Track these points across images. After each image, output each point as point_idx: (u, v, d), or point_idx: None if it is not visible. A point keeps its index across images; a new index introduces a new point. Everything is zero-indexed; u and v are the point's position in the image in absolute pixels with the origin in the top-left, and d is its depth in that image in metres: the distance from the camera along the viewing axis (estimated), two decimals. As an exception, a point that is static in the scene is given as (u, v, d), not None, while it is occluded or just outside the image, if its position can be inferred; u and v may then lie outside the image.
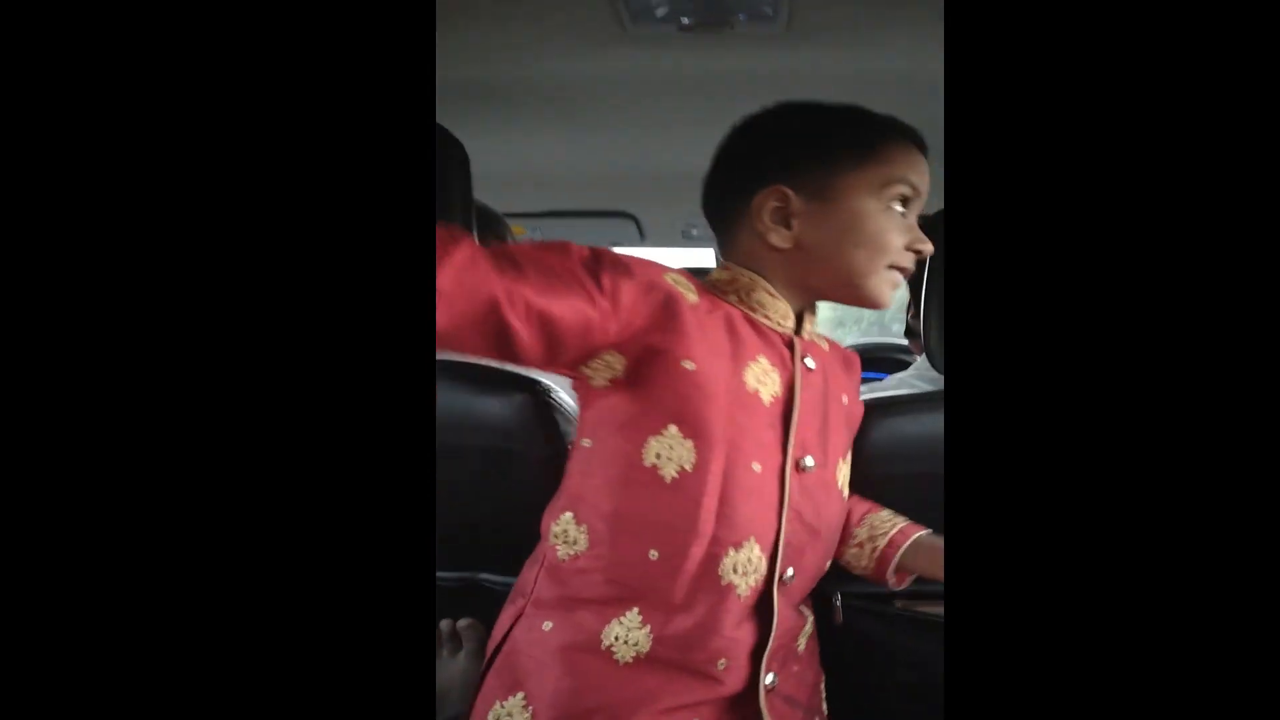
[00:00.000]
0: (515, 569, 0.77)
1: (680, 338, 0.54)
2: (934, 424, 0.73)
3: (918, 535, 0.65)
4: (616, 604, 0.55)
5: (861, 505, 0.70)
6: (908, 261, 0.61)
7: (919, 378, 0.95)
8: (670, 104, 0.94)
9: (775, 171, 0.60)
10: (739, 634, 0.56)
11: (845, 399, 0.66)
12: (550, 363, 0.52)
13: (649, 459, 0.54)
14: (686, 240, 1.48)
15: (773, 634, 0.56)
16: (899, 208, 0.60)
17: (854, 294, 0.61)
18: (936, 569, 0.62)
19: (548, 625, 0.57)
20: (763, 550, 0.56)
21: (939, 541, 0.64)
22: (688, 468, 0.54)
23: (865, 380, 0.92)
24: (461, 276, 0.44)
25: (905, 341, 1.49)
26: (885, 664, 0.70)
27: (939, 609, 0.74)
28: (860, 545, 0.66)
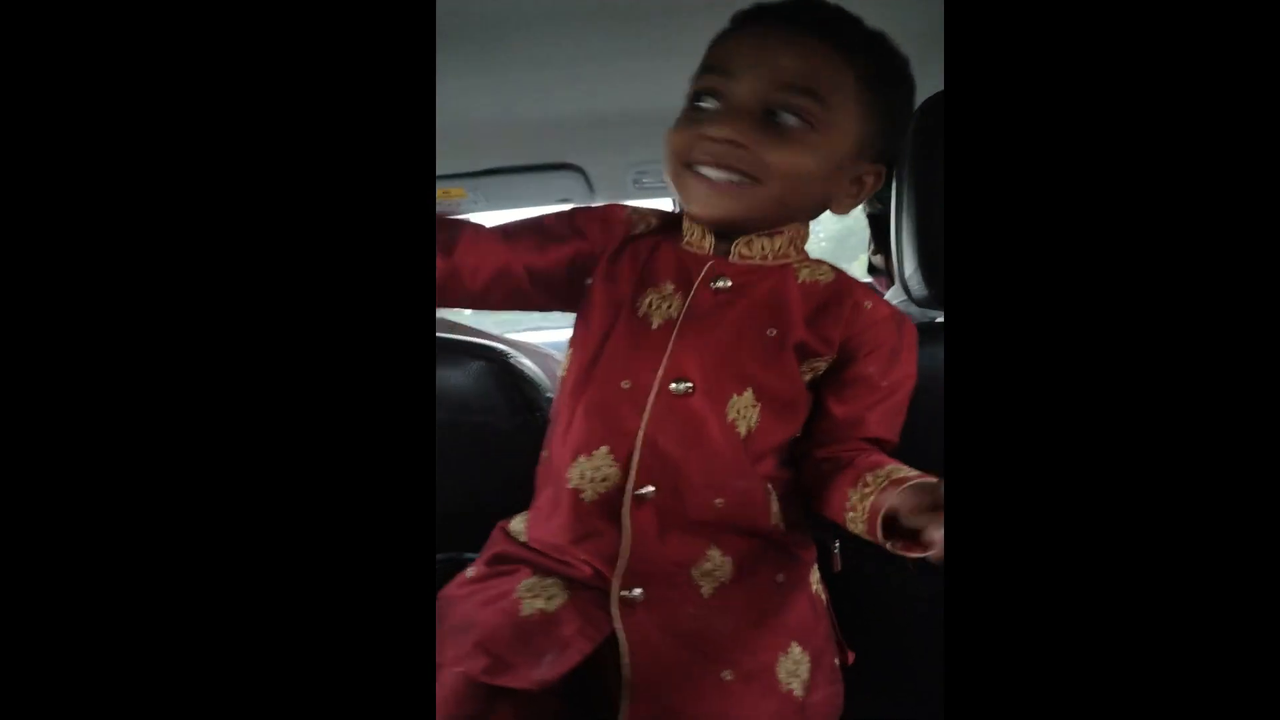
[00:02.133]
0: None
1: (600, 259, 0.59)
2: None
3: (906, 485, 0.50)
4: (531, 498, 0.61)
5: (864, 462, 0.56)
6: (710, 153, 0.53)
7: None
8: (606, 39, 0.87)
9: None
10: (592, 540, 0.55)
11: (773, 332, 0.56)
12: (565, 299, 0.61)
13: (563, 366, 0.61)
14: (639, 190, 1.40)
15: (624, 543, 0.54)
16: (701, 103, 0.55)
17: (687, 208, 0.58)
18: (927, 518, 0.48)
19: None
20: (615, 460, 0.55)
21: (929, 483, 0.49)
22: (564, 374, 0.60)
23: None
24: (479, 249, 0.58)
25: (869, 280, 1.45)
26: (892, 602, 0.69)
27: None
28: (854, 509, 0.52)
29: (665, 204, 1.48)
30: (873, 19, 0.55)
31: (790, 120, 0.52)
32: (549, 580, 0.56)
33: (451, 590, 0.60)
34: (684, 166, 0.55)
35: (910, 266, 0.69)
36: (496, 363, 0.72)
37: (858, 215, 1.32)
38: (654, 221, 0.61)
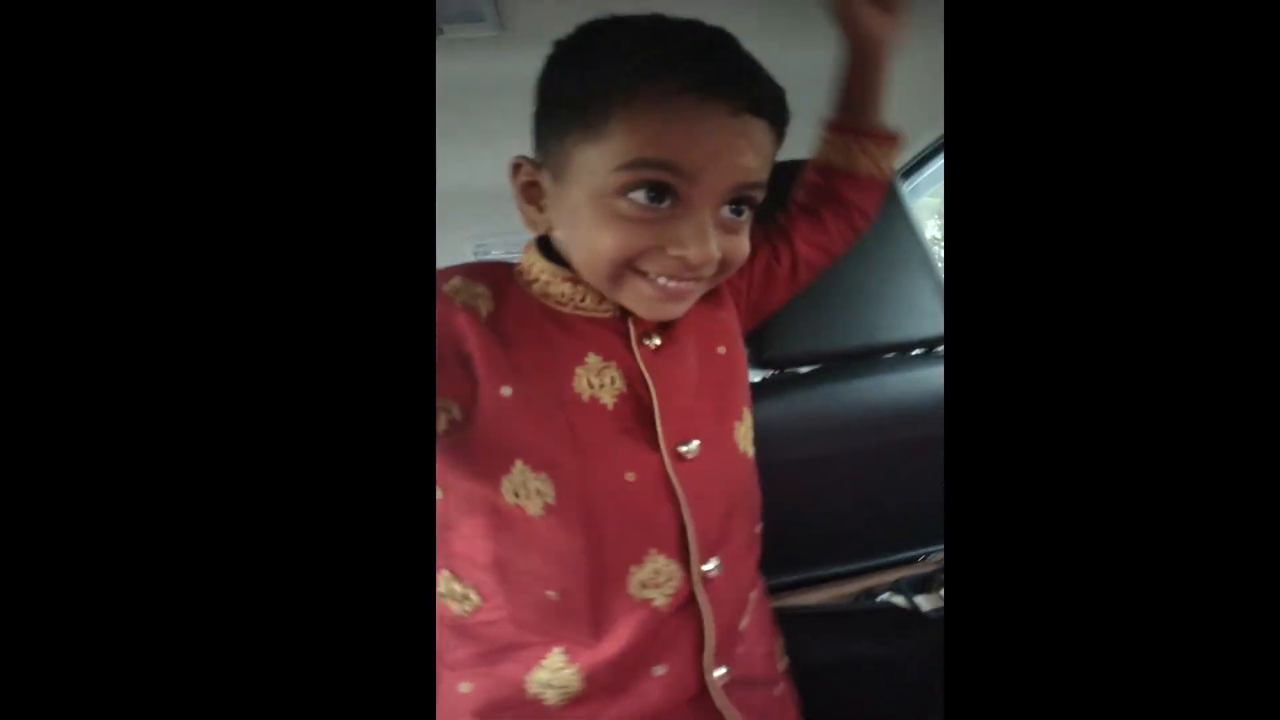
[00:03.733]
0: None
1: (486, 364, 0.46)
2: (852, 394, 0.73)
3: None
4: (535, 648, 0.49)
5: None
6: (670, 268, 0.45)
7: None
8: (446, 117, 0.87)
9: (535, 134, 0.47)
10: (673, 644, 0.50)
11: (722, 349, 0.54)
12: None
13: (509, 499, 0.47)
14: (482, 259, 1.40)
15: (709, 633, 0.50)
16: (644, 199, 0.43)
17: (619, 300, 0.48)
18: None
19: (465, 687, 0.50)
20: (669, 556, 0.49)
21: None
22: (550, 501, 0.47)
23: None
24: None
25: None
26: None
27: (787, 602, 0.75)
28: (827, 148, 0.61)
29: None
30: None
31: (740, 213, 0.47)
32: None
33: None
34: (629, 269, 0.46)
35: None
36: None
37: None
38: (489, 292, 0.49)
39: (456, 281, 0.49)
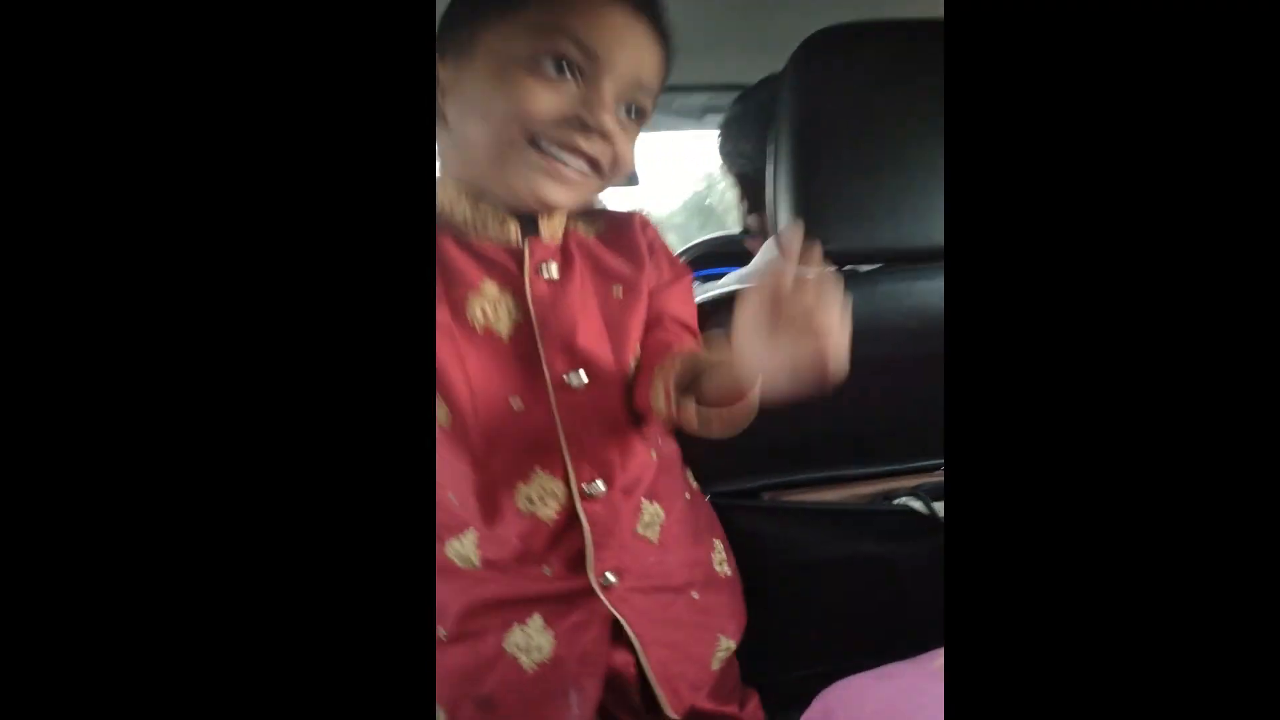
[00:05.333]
0: None
1: None
2: None
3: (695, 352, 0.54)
4: (452, 528, 0.57)
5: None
6: (573, 140, 0.47)
7: (760, 274, 0.92)
8: None
9: (442, 30, 0.50)
10: (558, 549, 0.56)
11: (619, 289, 0.56)
12: None
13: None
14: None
15: (589, 546, 0.55)
16: (549, 66, 0.46)
17: (504, 185, 0.49)
18: (718, 384, 0.49)
19: None
20: (553, 474, 0.54)
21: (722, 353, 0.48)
22: (444, 424, 0.52)
23: (707, 277, 0.88)
24: None
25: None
26: (761, 553, 0.70)
27: (802, 497, 0.75)
28: (655, 392, 0.53)
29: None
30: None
31: (632, 114, 0.51)
32: (529, 626, 0.56)
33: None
34: (528, 142, 0.47)
35: (785, 221, 0.68)
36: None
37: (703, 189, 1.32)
38: None
39: None
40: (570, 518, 0.56)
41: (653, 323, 0.58)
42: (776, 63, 0.68)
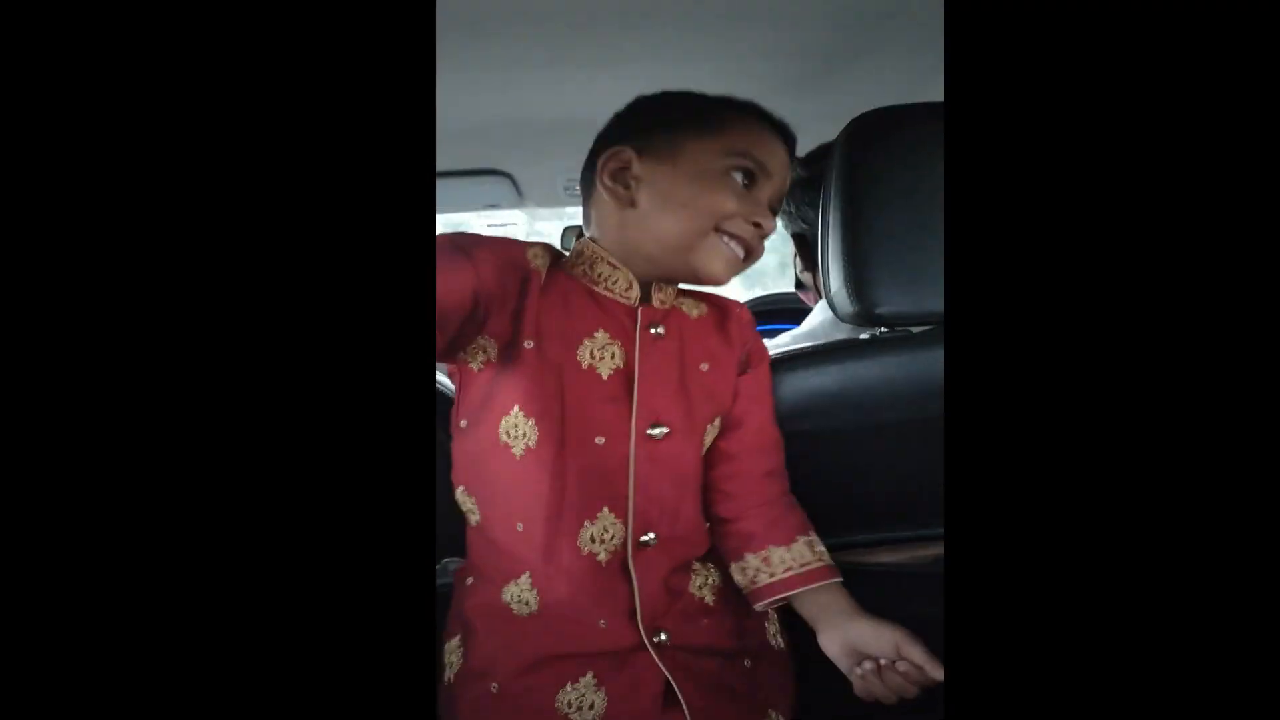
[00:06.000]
0: None
1: (526, 315, 0.58)
2: (838, 375, 0.72)
3: (816, 586, 0.63)
4: (510, 569, 0.60)
5: (763, 526, 0.65)
6: (745, 232, 0.61)
7: (813, 333, 0.94)
8: (540, 43, 0.85)
9: (625, 135, 0.63)
10: (610, 597, 0.59)
11: (705, 367, 0.64)
12: (443, 351, 0.57)
13: (502, 437, 0.59)
14: (568, 196, 1.38)
15: (636, 595, 0.59)
16: (739, 178, 0.60)
17: (685, 261, 0.61)
18: (831, 635, 0.61)
19: (469, 580, 0.63)
20: (618, 517, 0.59)
21: (838, 596, 0.63)
22: (531, 445, 0.58)
23: (769, 332, 0.90)
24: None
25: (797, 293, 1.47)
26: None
27: (860, 558, 0.75)
28: (744, 570, 0.65)
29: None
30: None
31: (774, 213, 0.64)
32: (581, 684, 0.57)
33: (478, 700, 0.58)
34: (714, 230, 0.60)
35: (836, 283, 0.70)
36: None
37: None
38: (547, 258, 0.62)
39: (537, 249, 0.61)
40: (622, 564, 0.59)
41: (740, 417, 0.67)
42: (830, 133, 0.71)
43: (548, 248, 0.63)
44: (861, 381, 0.72)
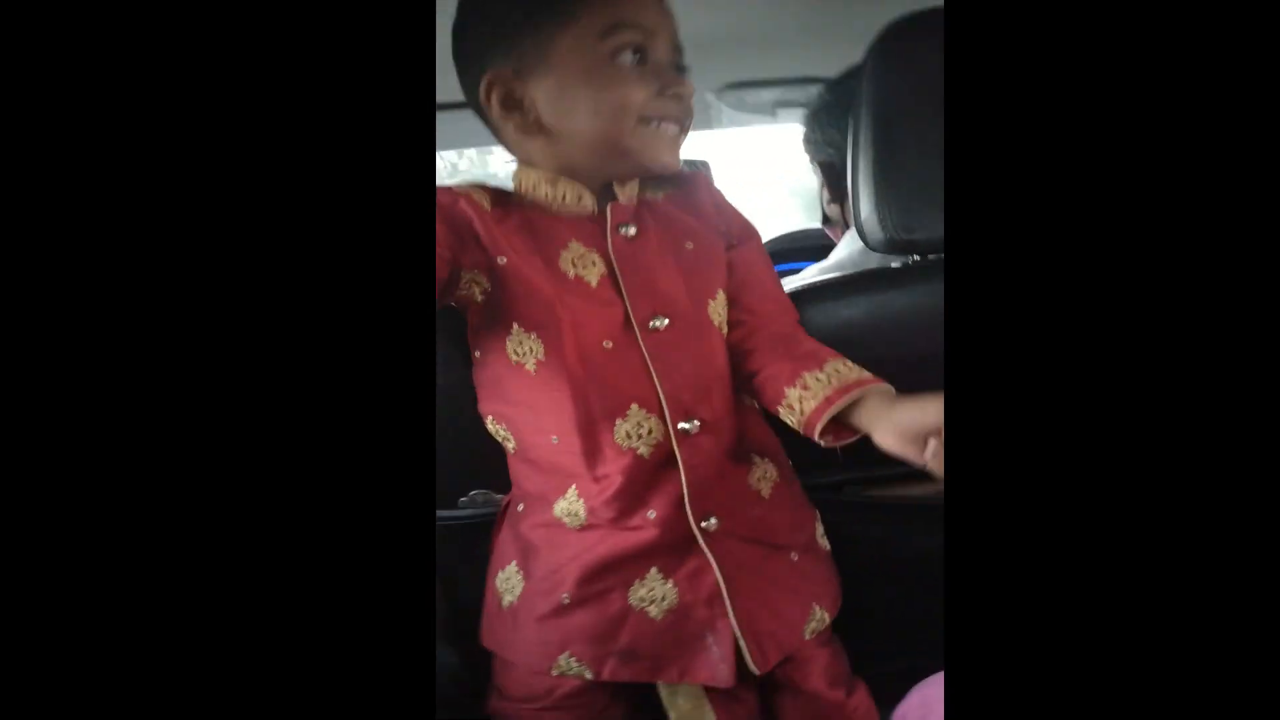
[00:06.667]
0: (440, 503, 0.71)
1: (491, 240, 0.57)
2: (868, 306, 0.70)
3: (859, 394, 0.57)
4: (556, 485, 0.60)
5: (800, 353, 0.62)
6: (668, 109, 0.57)
7: (840, 266, 0.91)
8: None
9: (488, 52, 0.57)
10: (657, 488, 0.59)
11: (690, 245, 0.63)
12: (439, 299, 0.58)
13: (512, 357, 0.59)
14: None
15: (684, 481, 0.58)
16: (628, 57, 0.55)
17: (626, 162, 0.59)
18: (883, 428, 0.55)
19: (520, 507, 0.64)
20: (649, 411, 0.58)
21: (881, 396, 0.57)
22: (541, 358, 0.58)
23: (785, 271, 0.88)
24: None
25: (821, 229, 1.43)
26: (841, 548, 0.69)
27: (884, 492, 0.74)
28: (791, 407, 0.60)
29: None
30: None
31: (681, 71, 0.60)
32: (649, 579, 0.59)
33: (550, 613, 0.59)
34: (639, 122, 0.56)
35: (866, 208, 0.67)
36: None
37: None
38: (486, 194, 0.59)
39: (470, 187, 0.59)
40: (668, 456, 0.59)
41: (740, 288, 0.64)
42: (856, 55, 0.67)
43: (484, 186, 0.60)
44: (893, 312, 0.69)
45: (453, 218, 0.57)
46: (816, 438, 0.59)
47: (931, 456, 0.51)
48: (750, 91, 1.27)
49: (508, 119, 0.58)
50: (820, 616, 0.63)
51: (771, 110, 1.33)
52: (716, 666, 0.58)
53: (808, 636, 0.62)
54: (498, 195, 0.60)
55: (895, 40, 0.62)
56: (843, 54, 0.81)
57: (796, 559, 0.63)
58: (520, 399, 0.60)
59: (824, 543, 0.68)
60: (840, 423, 0.58)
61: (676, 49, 0.59)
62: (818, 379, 0.59)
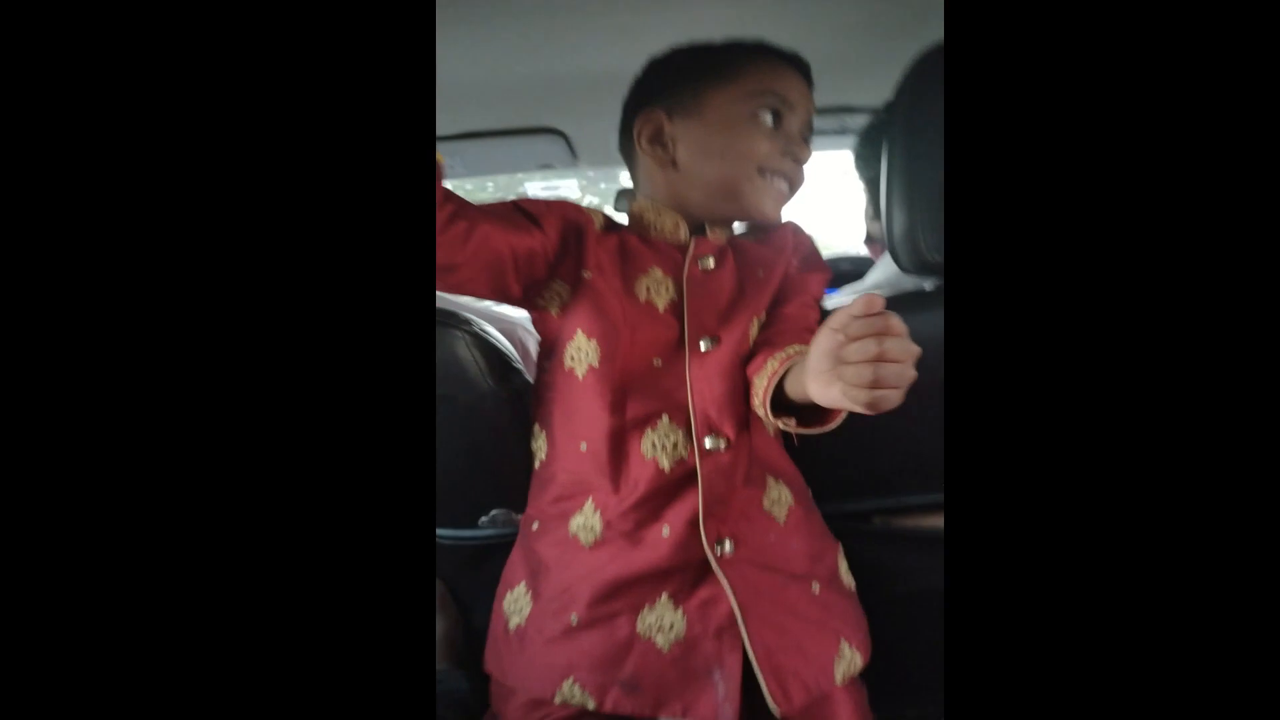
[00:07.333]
0: (459, 522, 0.71)
1: (586, 256, 0.63)
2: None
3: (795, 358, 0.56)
4: (575, 498, 0.62)
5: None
6: (785, 167, 0.66)
7: (876, 287, 0.89)
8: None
9: (651, 97, 0.68)
10: (674, 505, 0.60)
11: (761, 273, 0.67)
12: (520, 298, 0.63)
13: (567, 363, 0.63)
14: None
15: (700, 500, 0.59)
16: (767, 118, 0.65)
17: (735, 205, 0.66)
18: (806, 381, 0.50)
19: (535, 525, 0.65)
20: (677, 424, 0.61)
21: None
22: (594, 364, 0.62)
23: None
24: (469, 248, 0.58)
25: (856, 253, 1.41)
26: (869, 579, 0.66)
27: (917, 521, 0.71)
28: (756, 394, 0.59)
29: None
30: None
31: (806, 141, 0.68)
32: (658, 606, 0.58)
33: (558, 636, 0.59)
34: (758, 171, 0.65)
35: (900, 231, 0.66)
36: (461, 331, 0.69)
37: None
38: (603, 218, 0.68)
39: (596, 211, 0.67)
40: (688, 473, 0.60)
41: (782, 299, 0.67)
42: (891, 81, 0.67)
43: (605, 214, 0.69)
44: (924, 335, 0.68)
45: (572, 228, 0.64)
46: (772, 418, 0.57)
47: (845, 370, 0.43)
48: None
49: (650, 153, 0.67)
50: (851, 657, 0.60)
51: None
52: (720, 706, 0.56)
53: (839, 681, 0.58)
54: (609, 222, 0.68)
55: (929, 64, 0.62)
56: (878, 82, 0.80)
57: (818, 591, 0.61)
58: (563, 404, 0.63)
59: (848, 579, 0.66)
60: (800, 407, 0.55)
61: (808, 125, 0.68)
62: (774, 360, 0.58)
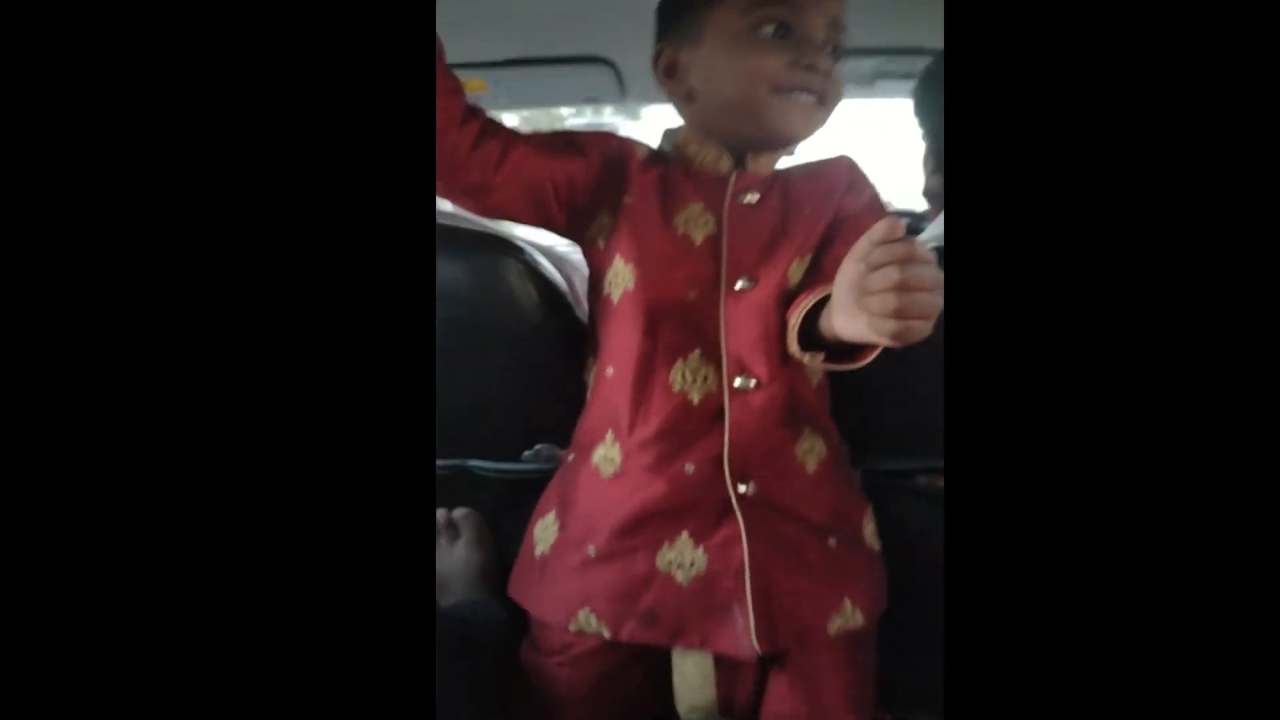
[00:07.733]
0: (504, 454, 0.71)
1: (630, 182, 0.62)
2: None
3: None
4: (599, 430, 0.62)
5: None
6: (804, 80, 0.60)
7: (935, 240, 0.85)
8: None
9: (665, 30, 0.65)
10: (699, 441, 0.59)
11: (809, 209, 0.63)
12: (565, 226, 0.64)
13: (606, 288, 0.62)
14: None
15: (726, 438, 0.58)
16: (768, 31, 0.60)
17: (759, 128, 0.62)
18: (832, 316, 0.49)
19: (571, 456, 0.65)
20: (709, 360, 0.59)
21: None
22: (629, 288, 0.61)
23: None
24: (506, 170, 0.59)
25: (916, 209, 1.34)
26: (909, 540, 0.65)
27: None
28: (790, 330, 0.58)
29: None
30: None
31: (835, 53, 0.61)
32: (679, 543, 0.58)
33: (577, 566, 0.60)
34: (773, 90, 0.59)
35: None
36: (513, 259, 0.67)
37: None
38: (649, 151, 0.66)
39: (641, 143, 0.66)
40: (717, 410, 0.59)
41: (831, 239, 0.62)
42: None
43: (649, 146, 0.67)
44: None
45: (615, 157, 0.63)
46: (801, 350, 0.57)
47: (871, 299, 0.42)
48: (847, 61, 1.20)
49: (669, 87, 0.65)
50: (851, 613, 0.60)
51: (870, 81, 1.27)
52: (740, 639, 0.56)
53: (832, 632, 0.59)
54: (653, 154, 0.66)
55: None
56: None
57: (834, 546, 0.61)
58: (598, 330, 0.63)
59: (873, 542, 0.65)
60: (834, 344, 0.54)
61: (834, 28, 0.61)
62: (810, 299, 0.56)
